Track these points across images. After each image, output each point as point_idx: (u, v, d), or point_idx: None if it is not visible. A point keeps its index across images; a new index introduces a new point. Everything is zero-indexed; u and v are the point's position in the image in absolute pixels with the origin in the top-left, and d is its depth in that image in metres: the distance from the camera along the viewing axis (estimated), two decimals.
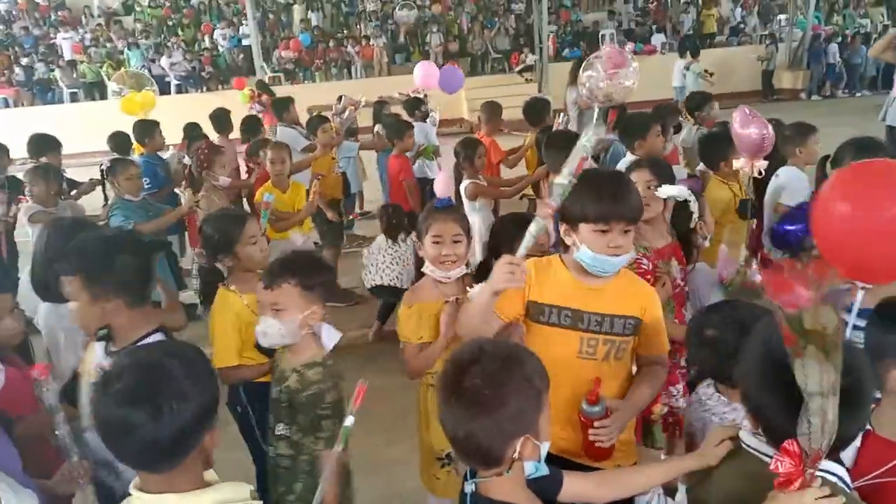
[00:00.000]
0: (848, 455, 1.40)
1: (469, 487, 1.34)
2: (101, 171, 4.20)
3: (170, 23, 18.89)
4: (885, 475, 1.51)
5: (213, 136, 6.31)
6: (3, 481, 1.38)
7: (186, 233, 5.49)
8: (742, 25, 18.71)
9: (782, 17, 18.34)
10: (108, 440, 1.26)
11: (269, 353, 2.31)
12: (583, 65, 3.74)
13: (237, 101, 12.21)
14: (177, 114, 7.59)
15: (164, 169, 5.47)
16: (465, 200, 4.42)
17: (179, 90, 16.73)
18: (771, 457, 1.19)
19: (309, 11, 19.05)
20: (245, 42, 17.60)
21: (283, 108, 6.28)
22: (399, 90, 9.68)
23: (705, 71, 13.11)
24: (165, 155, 5.68)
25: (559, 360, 1.79)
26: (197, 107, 13.76)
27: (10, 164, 5.13)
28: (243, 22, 18.03)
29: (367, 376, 1.66)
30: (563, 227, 1.92)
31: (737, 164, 3.28)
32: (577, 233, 1.85)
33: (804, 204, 3.32)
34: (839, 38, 17.00)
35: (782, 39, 17.46)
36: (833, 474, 1.25)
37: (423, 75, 5.94)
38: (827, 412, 1.08)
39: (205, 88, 16.90)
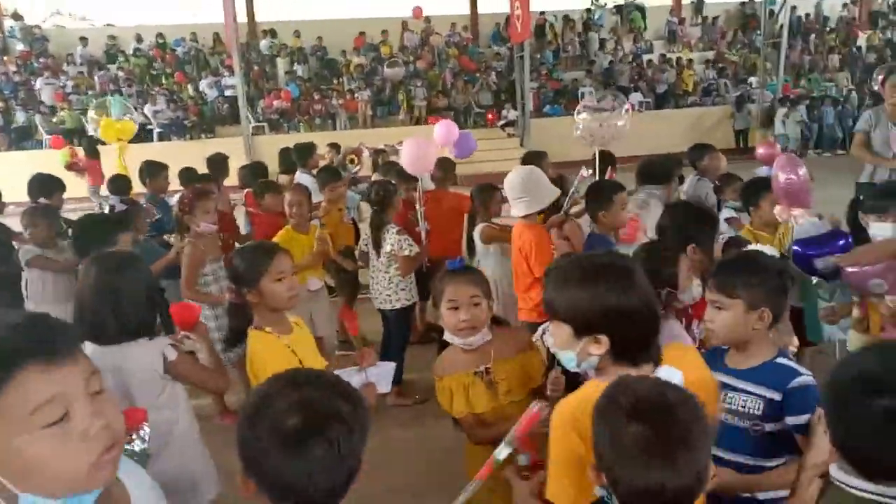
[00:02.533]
0: None
1: None
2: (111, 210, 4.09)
3: (153, 71, 18.97)
4: None
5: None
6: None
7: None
8: (714, 86, 19.44)
9: (753, 79, 19.10)
10: (267, 486, 1.17)
11: None
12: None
13: (222, 150, 12.23)
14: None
15: (167, 212, 5.36)
16: (478, 245, 4.41)
17: (161, 138, 16.67)
18: (859, 489, 1.23)
19: (294, 64, 19.31)
20: (229, 93, 17.75)
21: (305, 154, 6.26)
22: (385, 143, 9.79)
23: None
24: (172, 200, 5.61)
25: None
26: (181, 155, 13.72)
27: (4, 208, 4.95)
28: (224, 73, 18.23)
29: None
30: None
31: (776, 211, 3.30)
32: None
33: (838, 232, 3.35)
34: (807, 101, 17.75)
35: (754, 100, 18.16)
36: None
37: (445, 133, 5.96)
38: None
39: (188, 137, 16.87)
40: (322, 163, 6.67)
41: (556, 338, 1.57)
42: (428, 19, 20.65)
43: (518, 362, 2.23)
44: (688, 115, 18.13)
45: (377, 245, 4.27)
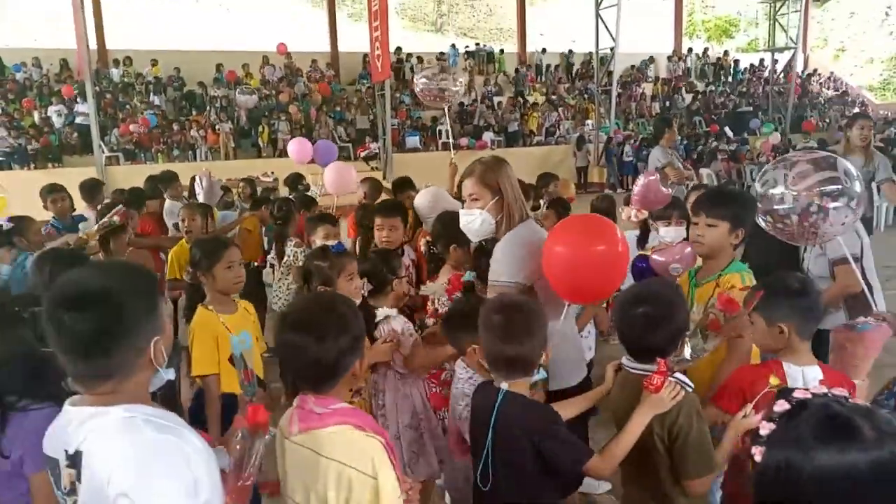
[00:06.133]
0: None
1: (504, 386, 1.99)
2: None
3: None
4: None
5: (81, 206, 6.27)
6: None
7: None
8: (555, 129, 21.42)
9: (590, 122, 21.28)
10: (284, 361, 1.69)
11: (238, 366, 2.69)
12: None
13: (73, 180, 11.79)
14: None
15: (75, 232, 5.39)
16: None
17: (1, 167, 15.64)
18: (634, 368, 2.06)
19: (151, 94, 18.89)
20: (78, 120, 17.05)
21: (168, 182, 6.49)
22: (258, 174, 10.11)
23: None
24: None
25: None
26: (27, 184, 13.06)
27: None
28: (77, 100, 17.50)
29: None
30: None
31: (626, 212, 4.22)
32: None
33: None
34: (633, 141, 20.08)
35: (590, 141, 20.26)
36: (681, 380, 1.97)
37: (298, 150, 6.45)
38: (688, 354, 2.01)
39: (32, 166, 15.95)
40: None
41: None
42: (289, 55, 21.06)
43: None
44: (535, 152, 19.85)
45: (280, 255, 4.78)
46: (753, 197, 3.43)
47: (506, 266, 2.55)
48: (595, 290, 2.50)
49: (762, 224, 2.65)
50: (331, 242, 3.67)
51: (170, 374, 1.47)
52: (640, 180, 4.16)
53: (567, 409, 2.20)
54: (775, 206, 2.54)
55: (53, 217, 5.29)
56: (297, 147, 6.62)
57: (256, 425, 1.60)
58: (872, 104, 27.10)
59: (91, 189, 6.31)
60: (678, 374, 1.95)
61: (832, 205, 2.43)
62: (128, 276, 1.41)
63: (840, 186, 2.43)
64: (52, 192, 5.31)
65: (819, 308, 2.27)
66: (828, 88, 27.66)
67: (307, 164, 7.23)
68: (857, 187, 2.47)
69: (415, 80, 6.07)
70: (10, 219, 4.32)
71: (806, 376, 2.11)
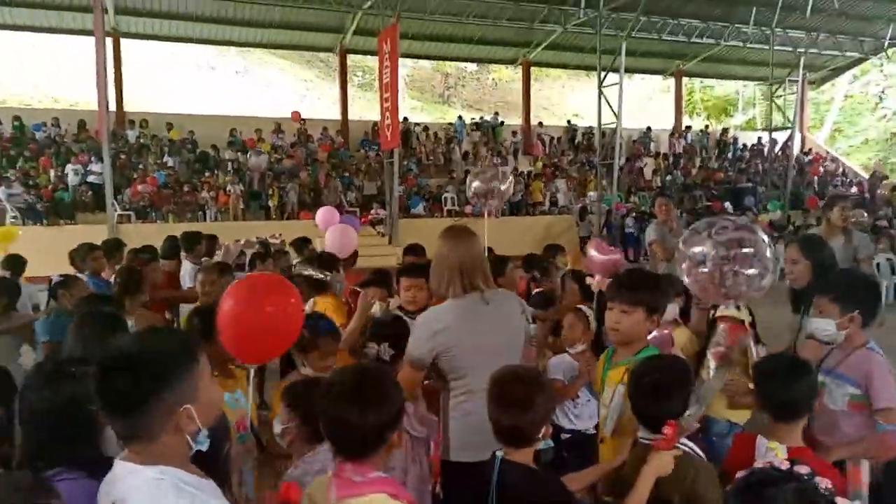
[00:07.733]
0: None
1: (500, 454, 2.07)
2: (51, 286, 4.37)
3: (12, 152, 18.28)
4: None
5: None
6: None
7: None
8: (556, 198, 21.84)
9: (592, 194, 21.69)
10: (326, 430, 1.79)
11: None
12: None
13: (85, 238, 12.00)
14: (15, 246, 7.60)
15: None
16: None
17: (15, 222, 15.93)
18: (645, 438, 2.15)
19: (166, 155, 19.40)
20: (91, 179, 17.48)
21: (194, 243, 6.59)
22: (268, 235, 10.29)
23: None
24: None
25: None
26: (40, 239, 13.30)
27: None
28: (92, 159, 17.96)
29: None
30: None
31: (590, 280, 4.37)
32: None
33: None
34: (634, 213, 20.42)
35: (592, 212, 20.61)
36: (688, 446, 2.09)
37: (324, 219, 6.65)
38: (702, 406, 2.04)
39: (45, 222, 16.26)
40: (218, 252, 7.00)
41: None
42: (303, 121, 21.73)
43: None
44: (539, 222, 20.21)
45: None
46: (671, 281, 3.56)
47: (413, 338, 2.69)
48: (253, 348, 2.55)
49: (685, 280, 2.75)
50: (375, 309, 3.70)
51: (202, 446, 1.53)
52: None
53: (578, 481, 2.29)
54: (696, 265, 2.63)
55: (88, 274, 5.51)
56: (325, 216, 6.88)
57: (288, 502, 1.68)
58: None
59: (112, 248, 6.50)
60: (691, 444, 2.06)
61: (747, 270, 2.54)
62: (164, 345, 1.51)
63: (752, 250, 2.55)
64: (92, 251, 5.57)
65: (808, 399, 2.32)
66: (824, 168, 28.25)
67: None
68: (768, 253, 2.59)
69: (468, 182, 6.55)
70: (61, 276, 4.54)
71: (769, 452, 2.19)
